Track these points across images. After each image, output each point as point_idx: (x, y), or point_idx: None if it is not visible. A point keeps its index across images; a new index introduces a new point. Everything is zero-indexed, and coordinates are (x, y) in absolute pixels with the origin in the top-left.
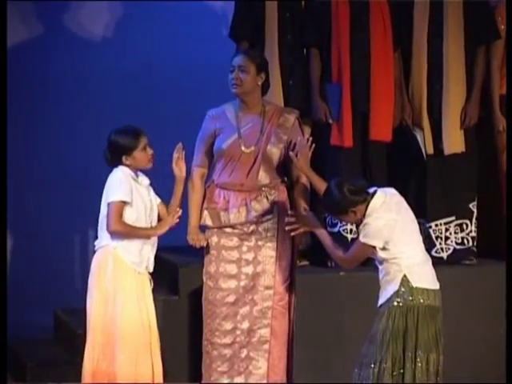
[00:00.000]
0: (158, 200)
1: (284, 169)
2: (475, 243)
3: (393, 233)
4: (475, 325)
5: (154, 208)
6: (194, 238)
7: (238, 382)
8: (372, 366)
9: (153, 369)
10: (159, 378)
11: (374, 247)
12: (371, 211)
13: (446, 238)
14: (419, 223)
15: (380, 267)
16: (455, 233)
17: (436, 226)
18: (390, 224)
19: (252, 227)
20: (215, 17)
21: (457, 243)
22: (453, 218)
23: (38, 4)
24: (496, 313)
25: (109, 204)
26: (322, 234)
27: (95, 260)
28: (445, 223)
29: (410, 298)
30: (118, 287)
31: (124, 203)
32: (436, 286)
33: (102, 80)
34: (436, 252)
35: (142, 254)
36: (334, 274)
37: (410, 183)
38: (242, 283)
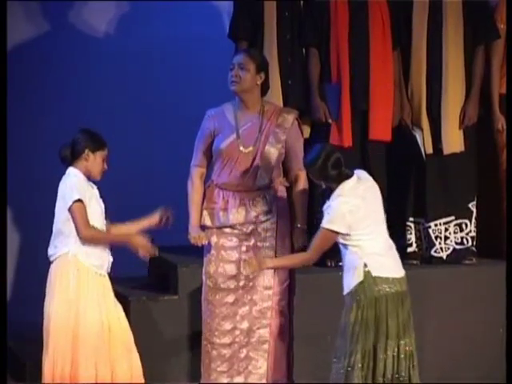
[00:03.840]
0: (102, 205)
1: (283, 169)
2: (475, 243)
3: (355, 218)
4: (475, 325)
5: (103, 212)
6: (196, 237)
7: (238, 381)
8: (342, 359)
9: (112, 370)
10: (123, 377)
11: (337, 233)
12: (339, 193)
13: (446, 238)
14: (418, 223)
15: (342, 252)
16: (455, 232)
17: (435, 225)
18: (353, 210)
19: (251, 227)
20: (215, 17)
21: (456, 243)
22: (452, 217)
23: (42, 2)
24: (496, 313)
25: (70, 208)
26: (279, 263)
27: (55, 269)
28: (444, 223)
29: (377, 289)
30: (81, 294)
31: (83, 204)
32: (399, 273)
33: (103, 79)
34: (435, 252)
35: (103, 257)
36: (334, 273)
37: (410, 183)
38: (242, 283)
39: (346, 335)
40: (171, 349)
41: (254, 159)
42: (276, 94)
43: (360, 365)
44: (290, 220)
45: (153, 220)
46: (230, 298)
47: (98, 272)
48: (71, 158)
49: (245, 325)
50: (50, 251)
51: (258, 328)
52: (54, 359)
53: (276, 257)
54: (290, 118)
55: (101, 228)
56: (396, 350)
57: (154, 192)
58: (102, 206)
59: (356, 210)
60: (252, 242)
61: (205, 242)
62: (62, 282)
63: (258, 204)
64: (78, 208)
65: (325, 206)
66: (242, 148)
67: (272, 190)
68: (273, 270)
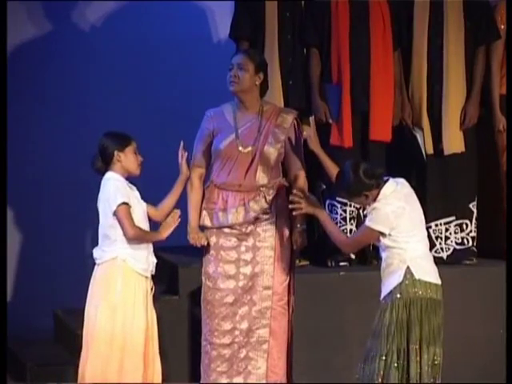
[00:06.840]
0: (144, 204)
1: (282, 169)
2: (475, 243)
3: (400, 221)
4: (475, 324)
5: (146, 212)
6: (195, 238)
7: (237, 382)
8: (377, 359)
9: (146, 373)
10: (153, 379)
11: (380, 233)
12: (381, 197)
13: (446, 238)
14: None
15: (383, 256)
16: (455, 233)
17: (436, 225)
18: (397, 211)
19: (250, 227)
20: (216, 17)
21: (457, 243)
22: (453, 217)
23: (42, 2)
24: (496, 313)
25: (115, 212)
26: (326, 219)
27: (103, 273)
28: (445, 223)
29: (414, 291)
30: (128, 300)
31: (128, 206)
32: (438, 281)
33: (103, 79)
34: (436, 252)
35: (149, 260)
36: (334, 273)
37: (410, 183)
38: (241, 283)
39: (380, 336)
40: (171, 349)
41: (253, 159)
42: (277, 94)
43: (396, 365)
44: (290, 220)
45: (182, 176)
46: (230, 298)
47: (143, 275)
48: (105, 166)
49: (244, 325)
50: (97, 254)
51: (258, 328)
52: (97, 366)
53: (275, 257)
54: (289, 118)
55: (145, 229)
56: (431, 355)
57: (153, 193)
58: (144, 206)
59: (400, 212)
60: (251, 242)
61: (204, 242)
62: (110, 287)
63: (257, 204)
64: (123, 210)
65: (368, 209)
66: (241, 148)
67: (271, 189)
68: (272, 270)
